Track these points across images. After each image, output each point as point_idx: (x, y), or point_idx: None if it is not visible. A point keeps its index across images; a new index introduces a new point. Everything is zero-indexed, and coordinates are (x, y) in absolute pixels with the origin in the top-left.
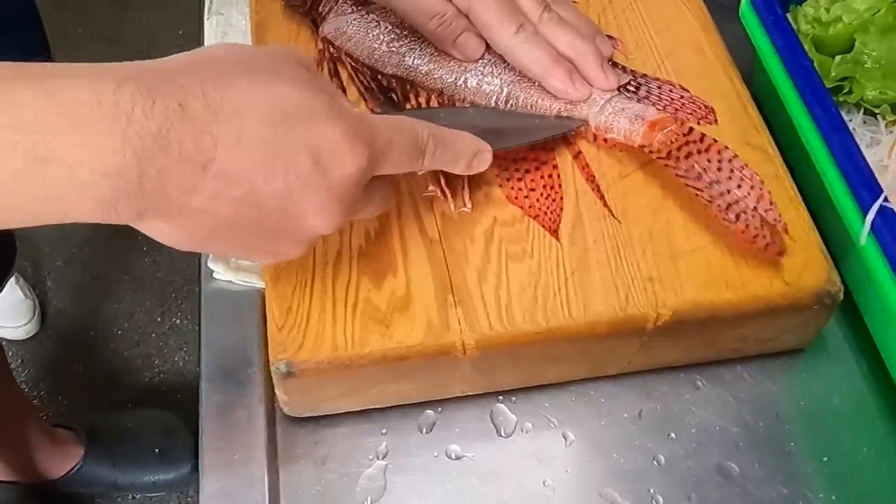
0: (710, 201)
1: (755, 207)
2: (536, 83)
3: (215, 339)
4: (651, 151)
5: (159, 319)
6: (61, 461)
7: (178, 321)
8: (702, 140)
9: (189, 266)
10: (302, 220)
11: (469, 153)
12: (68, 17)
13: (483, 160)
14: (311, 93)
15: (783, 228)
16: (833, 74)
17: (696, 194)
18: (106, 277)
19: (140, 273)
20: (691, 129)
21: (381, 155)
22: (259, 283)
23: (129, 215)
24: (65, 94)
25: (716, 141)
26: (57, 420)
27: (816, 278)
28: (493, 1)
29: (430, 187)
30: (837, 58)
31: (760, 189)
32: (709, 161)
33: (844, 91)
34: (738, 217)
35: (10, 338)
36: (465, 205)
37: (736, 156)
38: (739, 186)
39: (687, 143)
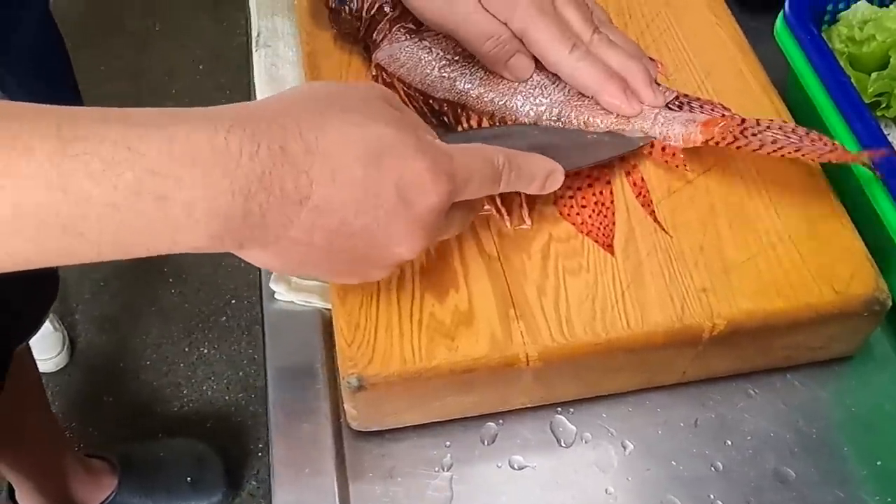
0: (780, 149)
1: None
2: (586, 102)
3: (279, 359)
4: (717, 143)
5: (186, 349)
6: (96, 491)
7: (205, 350)
8: (758, 123)
9: (215, 296)
10: (388, 248)
11: (542, 174)
12: (90, 54)
13: (556, 180)
14: (399, 131)
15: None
16: (870, 90)
17: (772, 154)
18: (133, 309)
19: (166, 304)
20: (744, 119)
21: (461, 184)
22: (320, 303)
23: (231, 245)
24: (183, 140)
25: (773, 120)
26: (89, 451)
27: (865, 286)
28: (547, 23)
29: (486, 206)
30: (874, 74)
31: (821, 138)
32: (775, 131)
33: (882, 106)
34: (813, 141)
35: (40, 370)
36: (524, 222)
37: (798, 125)
38: (802, 139)
39: (746, 128)
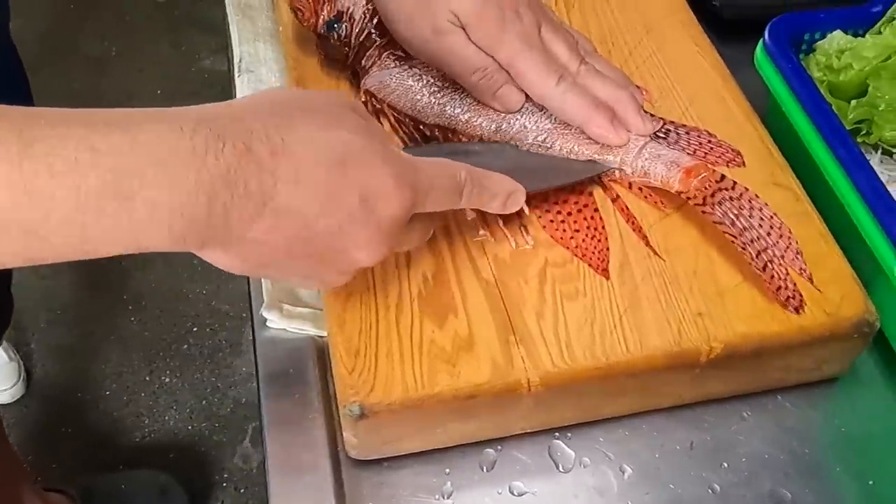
0: (742, 248)
1: (783, 256)
2: (573, 130)
3: (273, 387)
4: (688, 198)
5: (147, 378)
6: None
7: (167, 379)
8: (734, 187)
9: (176, 324)
10: (348, 254)
11: (504, 194)
12: (48, 77)
13: (516, 201)
14: (364, 138)
15: (808, 277)
16: (850, 117)
17: (731, 240)
18: (92, 338)
19: (127, 332)
20: (723, 176)
21: (423, 195)
22: (313, 330)
23: (194, 245)
24: (147, 140)
25: (747, 189)
26: (48, 484)
27: (855, 308)
28: (534, 56)
29: (481, 231)
30: (853, 102)
31: (788, 238)
32: (741, 208)
33: (862, 133)
34: (765, 266)
35: None
36: (527, 242)
37: (766, 204)
38: (769, 234)
39: (720, 189)
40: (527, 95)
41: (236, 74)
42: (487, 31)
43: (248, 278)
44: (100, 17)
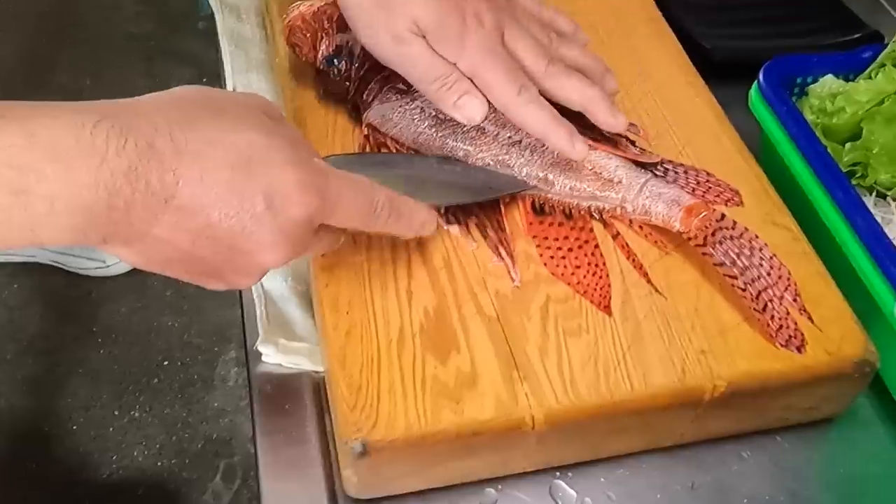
0: (742, 289)
1: (782, 297)
2: (574, 165)
3: (268, 424)
4: (689, 238)
5: (116, 413)
6: None
7: (136, 414)
8: (734, 227)
9: (147, 357)
10: (252, 255)
11: (418, 224)
12: None
13: (428, 230)
14: (272, 139)
15: (808, 317)
16: (846, 160)
17: (730, 281)
18: (59, 370)
19: (96, 365)
20: (723, 215)
21: (330, 206)
22: (309, 366)
23: (95, 240)
24: (45, 134)
25: (747, 229)
26: None
27: (855, 348)
28: (496, 63)
29: (495, 259)
30: (848, 145)
31: (788, 279)
32: (741, 247)
33: (857, 175)
34: (765, 307)
35: None
36: (513, 280)
37: (766, 245)
38: (768, 275)
39: (720, 228)
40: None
41: None
42: (448, 39)
43: (241, 309)
44: (74, 48)
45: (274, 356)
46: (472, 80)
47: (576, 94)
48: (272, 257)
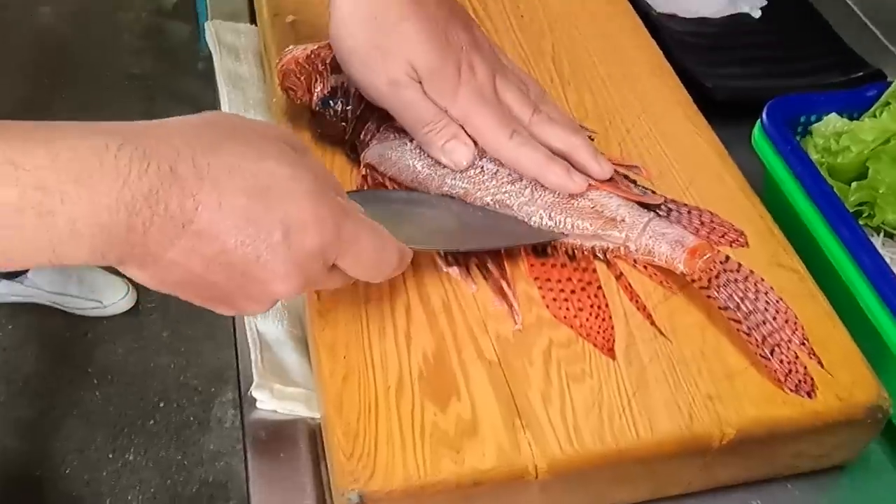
0: (748, 334)
1: (789, 341)
2: (575, 204)
3: (263, 471)
4: (693, 280)
5: (111, 456)
6: None
7: (130, 457)
8: (738, 269)
9: (142, 398)
10: (265, 284)
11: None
12: None
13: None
14: (294, 170)
15: (818, 361)
16: (852, 199)
17: (735, 326)
18: (53, 412)
19: (90, 407)
20: (728, 257)
21: (345, 245)
22: (304, 412)
23: (113, 260)
24: (70, 156)
25: (752, 272)
26: None
27: (867, 393)
28: (487, 110)
29: (496, 302)
30: (854, 184)
31: (795, 322)
32: (745, 290)
33: (864, 215)
34: (772, 351)
35: None
36: (515, 323)
37: (771, 288)
38: (774, 318)
39: (725, 270)
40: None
41: None
42: (442, 86)
43: (235, 352)
44: (74, 88)
45: (269, 402)
46: (463, 126)
47: (560, 141)
48: (284, 287)
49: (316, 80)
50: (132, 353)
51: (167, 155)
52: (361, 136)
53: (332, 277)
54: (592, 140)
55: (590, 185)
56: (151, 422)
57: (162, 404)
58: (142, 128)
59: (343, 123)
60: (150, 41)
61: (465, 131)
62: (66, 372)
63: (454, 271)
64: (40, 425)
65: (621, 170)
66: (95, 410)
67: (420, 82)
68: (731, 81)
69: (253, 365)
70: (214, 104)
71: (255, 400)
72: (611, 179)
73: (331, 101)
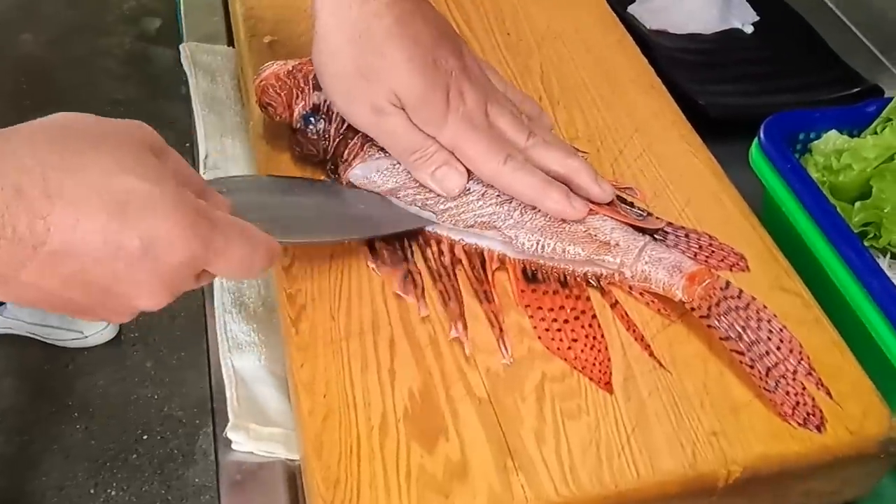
0: (750, 366)
1: (795, 371)
2: (566, 229)
3: None
4: (692, 308)
5: (92, 492)
6: None
7: (113, 492)
8: (739, 296)
9: (124, 432)
10: (127, 299)
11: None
12: None
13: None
14: (155, 184)
15: (826, 392)
16: (856, 220)
17: (738, 358)
18: (33, 447)
19: (71, 441)
20: (728, 283)
21: (213, 254)
22: (283, 453)
23: None
24: None
25: (754, 298)
26: None
27: (879, 425)
28: (478, 136)
29: (453, 331)
30: (858, 204)
31: (800, 352)
32: (747, 319)
33: (870, 236)
34: (777, 384)
35: None
36: (503, 357)
37: (775, 316)
38: (778, 348)
39: (725, 297)
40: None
41: (202, 171)
42: (430, 114)
43: (209, 386)
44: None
45: (245, 443)
46: (454, 154)
47: (558, 164)
48: (149, 302)
49: (297, 96)
50: (114, 385)
51: (12, 174)
52: (345, 155)
53: (199, 281)
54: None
55: (590, 209)
56: (134, 455)
57: (145, 437)
58: None
59: (325, 142)
60: (133, 66)
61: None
62: (45, 405)
63: (409, 299)
64: (19, 461)
65: (616, 191)
66: (76, 445)
67: (405, 109)
68: (725, 98)
69: (228, 404)
70: (191, 125)
71: (230, 441)
72: (608, 202)
73: (312, 119)
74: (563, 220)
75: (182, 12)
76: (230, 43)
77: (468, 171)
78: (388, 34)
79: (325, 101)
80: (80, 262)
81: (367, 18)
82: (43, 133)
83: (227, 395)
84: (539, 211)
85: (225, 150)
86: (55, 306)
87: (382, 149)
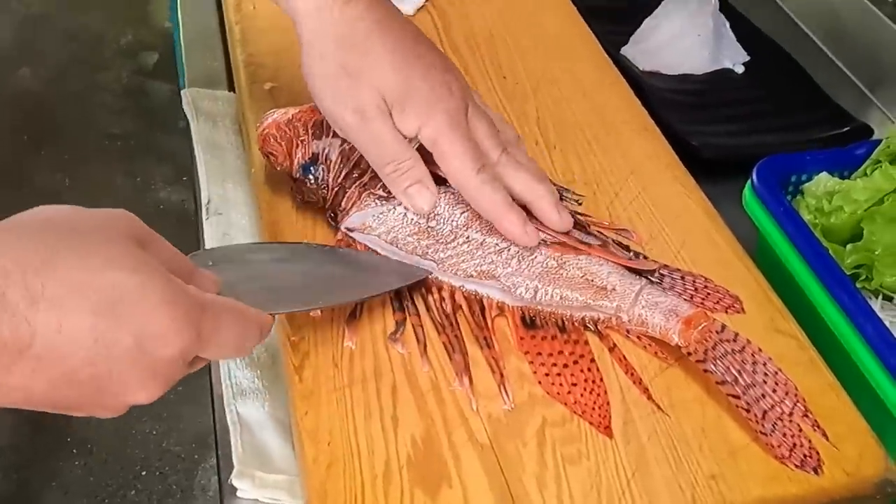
0: (747, 410)
1: (791, 413)
2: (564, 275)
3: None
4: (689, 353)
5: None
6: None
7: None
8: (735, 339)
9: (123, 468)
10: (120, 396)
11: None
12: None
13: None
14: (143, 277)
15: (822, 433)
16: (848, 262)
17: (734, 402)
18: (31, 485)
19: (69, 478)
20: (724, 326)
21: (205, 341)
22: (288, 501)
23: None
24: None
25: (749, 342)
26: None
27: (875, 466)
28: (458, 139)
29: (456, 383)
30: (849, 246)
31: (795, 395)
32: (743, 363)
33: (862, 278)
34: (774, 426)
35: None
36: (505, 403)
37: (770, 359)
38: (774, 391)
39: (721, 341)
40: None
41: (204, 217)
42: (414, 107)
43: (213, 430)
44: (54, 148)
45: (250, 491)
46: (430, 150)
47: (523, 186)
48: (143, 396)
49: (297, 145)
50: (111, 421)
51: None
52: (342, 204)
53: (192, 367)
54: (580, 204)
55: (584, 249)
56: (133, 492)
57: (144, 473)
58: None
59: (323, 191)
60: (130, 101)
61: (431, 170)
62: (44, 442)
63: (413, 350)
64: (18, 498)
65: (611, 234)
66: (75, 481)
67: (390, 113)
68: (717, 139)
69: (233, 450)
70: (193, 170)
71: (235, 489)
72: (603, 244)
73: (311, 168)
74: (560, 266)
75: (183, 55)
76: (231, 87)
77: (467, 222)
78: (369, 33)
79: (323, 150)
80: (68, 363)
81: (350, 21)
82: (24, 231)
83: (232, 441)
84: (537, 258)
85: (227, 195)
86: (45, 406)
87: (379, 199)
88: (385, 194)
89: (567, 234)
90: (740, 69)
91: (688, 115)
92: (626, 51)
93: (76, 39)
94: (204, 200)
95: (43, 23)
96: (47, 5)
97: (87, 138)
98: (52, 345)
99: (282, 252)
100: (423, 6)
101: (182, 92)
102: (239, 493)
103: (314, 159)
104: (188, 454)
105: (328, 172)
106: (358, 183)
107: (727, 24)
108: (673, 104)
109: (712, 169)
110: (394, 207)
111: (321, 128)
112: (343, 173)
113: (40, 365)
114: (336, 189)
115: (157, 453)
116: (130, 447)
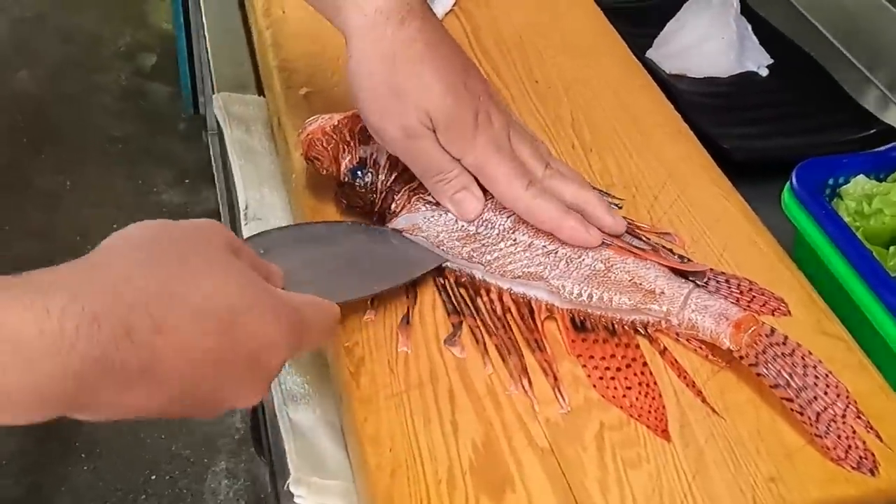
0: (800, 412)
1: (844, 415)
2: (611, 278)
3: None
4: (740, 356)
5: None
6: None
7: None
8: (785, 342)
9: (133, 472)
10: (228, 403)
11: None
12: None
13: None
14: (250, 297)
15: (876, 435)
16: (891, 264)
17: (787, 404)
18: (41, 490)
19: (79, 483)
20: (773, 329)
21: (305, 340)
22: None
23: (54, 415)
24: (5, 324)
25: (799, 345)
26: None
27: None
28: (504, 160)
29: (512, 388)
30: (892, 248)
31: (847, 397)
32: (794, 366)
33: None
34: (828, 428)
35: None
36: (561, 407)
37: (820, 361)
38: (826, 393)
39: (771, 345)
40: (561, 242)
41: (243, 223)
42: (459, 134)
43: (265, 437)
44: (54, 150)
45: (307, 497)
46: (477, 176)
47: (572, 194)
48: (248, 401)
49: (343, 150)
50: (121, 425)
51: (120, 313)
52: (392, 207)
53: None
54: (620, 208)
55: (633, 252)
56: (143, 496)
57: (153, 477)
58: (84, 275)
59: (372, 195)
60: (129, 103)
61: (478, 183)
62: (53, 447)
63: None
64: (28, 503)
65: (655, 238)
66: (85, 486)
67: (434, 131)
68: (748, 142)
69: (287, 456)
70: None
71: (292, 495)
72: (653, 248)
73: (360, 172)
74: (608, 269)
75: (210, 60)
76: (259, 92)
77: (513, 224)
78: (420, 57)
79: (371, 155)
80: (184, 384)
81: (403, 41)
82: (134, 257)
83: (286, 448)
84: (584, 260)
85: (263, 199)
86: (150, 415)
87: (428, 201)
88: (434, 200)
89: (618, 237)
90: (764, 72)
91: (716, 118)
92: (651, 54)
93: (74, 41)
94: (242, 206)
95: (38, 23)
96: (42, 4)
97: (87, 140)
98: (174, 367)
99: (324, 231)
100: (451, 10)
101: (213, 96)
102: (296, 500)
103: (362, 163)
104: (197, 458)
105: (376, 176)
106: (407, 187)
107: (749, 27)
108: (701, 107)
109: (743, 171)
110: (444, 213)
111: (367, 133)
112: (392, 177)
113: (157, 386)
114: (385, 193)
115: (167, 457)
116: (139, 451)
